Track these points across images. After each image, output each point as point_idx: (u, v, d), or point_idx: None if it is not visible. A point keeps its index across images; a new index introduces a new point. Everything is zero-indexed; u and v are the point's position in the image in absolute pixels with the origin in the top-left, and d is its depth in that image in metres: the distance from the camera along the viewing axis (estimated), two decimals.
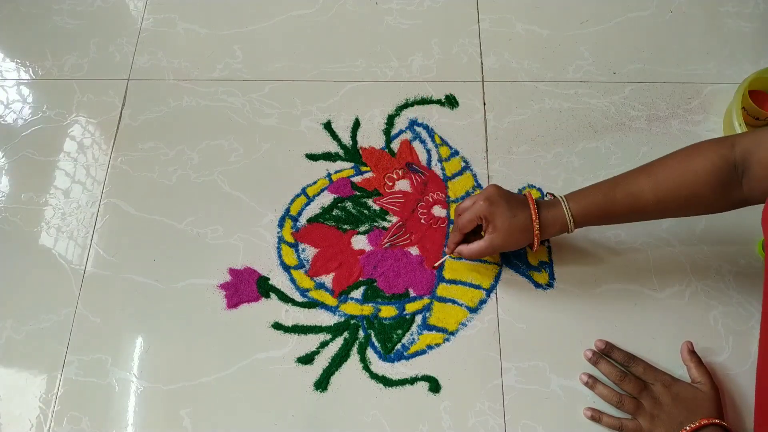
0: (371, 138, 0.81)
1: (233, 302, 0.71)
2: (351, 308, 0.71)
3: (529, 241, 0.62)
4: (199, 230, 0.75)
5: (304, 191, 0.77)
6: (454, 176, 0.78)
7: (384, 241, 0.74)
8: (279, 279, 0.72)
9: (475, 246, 0.64)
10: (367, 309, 0.71)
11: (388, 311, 0.70)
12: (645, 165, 0.60)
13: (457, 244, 0.66)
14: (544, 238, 0.62)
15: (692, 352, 0.65)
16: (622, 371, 0.64)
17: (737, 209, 0.60)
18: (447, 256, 0.71)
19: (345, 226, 0.75)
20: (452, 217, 0.75)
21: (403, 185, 0.78)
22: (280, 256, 0.74)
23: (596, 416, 0.64)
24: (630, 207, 0.59)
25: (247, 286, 0.72)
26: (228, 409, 0.66)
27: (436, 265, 0.72)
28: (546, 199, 0.64)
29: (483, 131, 0.80)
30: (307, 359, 0.68)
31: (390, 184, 0.78)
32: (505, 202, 0.61)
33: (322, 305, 0.71)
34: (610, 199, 0.59)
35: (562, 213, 0.61)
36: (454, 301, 0.71)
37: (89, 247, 0.75)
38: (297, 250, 0.74)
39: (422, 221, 0.75)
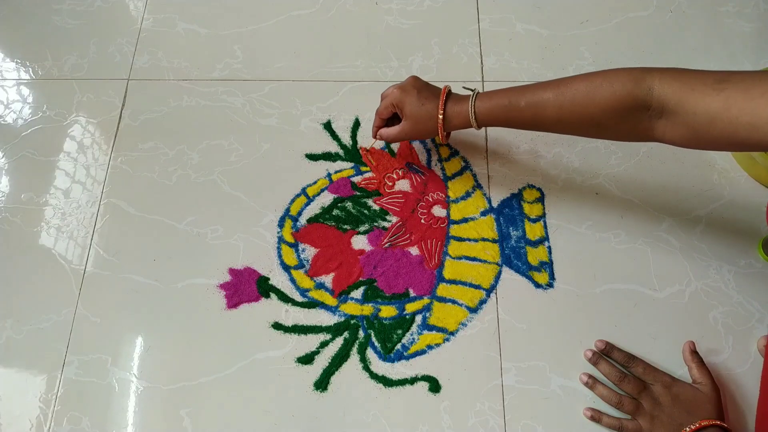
0: (371, 138, 0.81)
1: (233, 302, 0.71)
2: (351, 308, 0.71)
3: (434, 130, 0.67)
4: (199, 230, 0.75)
5: (304, 191, 0.77)
6: (454, 176, 0.78)
7: (384, 241, 0.74)
8: (279, 279, 0.72)
9: (391, 129, 0.70)
10: (367, 309, 0.71)
11: (388, 311, 0.71)
12: (558, 80, 0.60)
13: (378, 128, 0.72)
14: (448, 129, 0.67)
15: (694, 352, 0.65)
16: (621, 372, 0.64)
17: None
18: (374, 140, 0.75)
19: (345, 226, 0.75)
20: (452, 217, 0.75)
21: (403, 185, 0.78)
22: (280, 256, 0.74)
23: (596, 416, 0.64)
24: (532, 118, 0.61)
25: (247, 286, 0.72)
26: (228, 409, 0.66)
27: (369, 145, 0.77)
28: (463, 92, 0.67)
29: (483, 131, 0.80)
30: (307, 359, 0.68)
31: (390, 184, 0.78)
32: (417, 91, 0.66)
33: (322, 305, 0.71)
34: (514, 106, 0.61)
35: (466, 108, 0.64)
36: (454, 301, 0.71)
37: (89, 247, 0.75)
38: (297, 250, 0.74)
39: (422, 221, 0.75)
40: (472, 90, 0.65)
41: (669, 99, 0.52)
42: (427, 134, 0.69)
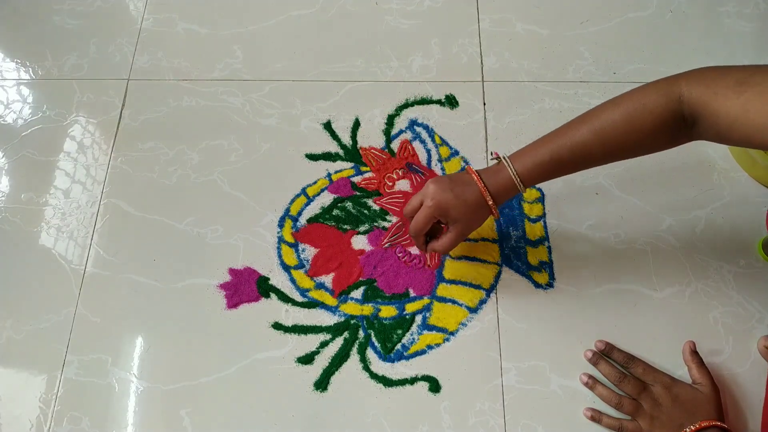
0: (371, 138, 0.81)
1: (233, 302, 0.71)
2: (351, 308, 0.71)
3: (488, 213, 0.62)
4: (199, 230, 0.75)
5: (304, 191, 0.77)
6: None
7: (384, 241, 0.74)
8: (279, 279, 0.72)
9: (446, 240, 0.63)
10: (367, 309, 0.71)
11: (388, 311, 0.71)
12: (588, 116, 0.58)
13: (426, 244, 0.65)
14: (500, 204, 0.61)
15: (694, 353, 0.65)
16: (621, 372, 0.64)
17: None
18: (429, 258, 0.71)
19: (345, 226, 0.75)
20: None
21: (403, 185, 0.78)
22: (280, 256, 0.74)
23: (596, 417, 0.64)
24: (576, 161, 0.58)
25: (247, 286, 0.72)
26: (228, 409, 0.66)
27: (428, 264, 0.72)
28: (490, 163, 0.63)
29: (483, 131, 0.80)
30: (307, 359, 0.68)
31: (390, 184, 0.78)
32: (450, 192, 0.60)
33: (322, 305, 0.71)
34: (557, 159, 0.58)
35: (509, 176, 0.59)
36: (454, 301, 0.71)
37: (89, 247, 0.75)
38: (297, 250, 0.74)
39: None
40: (498, 158, 0.61)
41: (697, 105, 0.52)
42: (480, 223, 0.63)
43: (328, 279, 0.73)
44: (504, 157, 0.60)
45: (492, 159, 0.63)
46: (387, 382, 0.67)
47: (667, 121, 0.54)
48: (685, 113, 0.53)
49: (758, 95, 0.47)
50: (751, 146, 0.50)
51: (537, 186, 0.77)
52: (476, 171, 0.61)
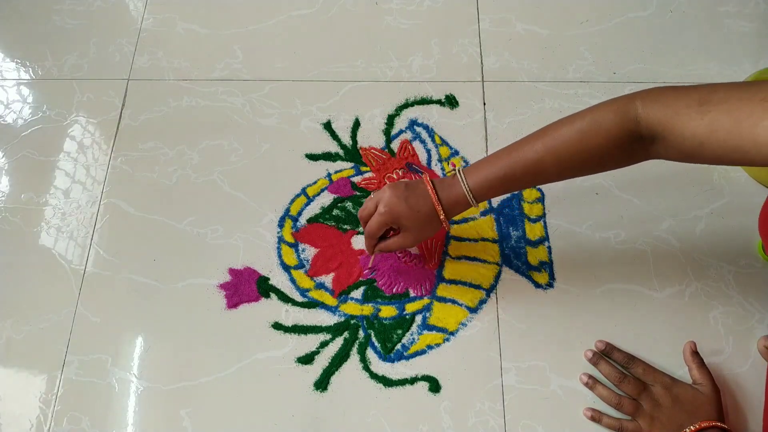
0: (371, 138, 0.81)
1: (233, 302, 0.71)
2: (351, 308, 0.71)
3: (438, 225, 0.62)
4: (199, 230, 0.75)
5: (304, 191, 0.77)
6: None
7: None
8: (279, 279, 0.72)
9: (392, 241, 0.64)
10: (367, 309, 0.71)
11: (388, 311, 0.71)
12: (541, 133, 0.58)
13: (373, 247, 0.66)
14: (451, 218, 0.62)
15: (695, 353, 0.64)
16: (621, 372, 0.64)
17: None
18: (372, 256, 0.70)
19: (345, 226, 0.75)
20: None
21: None
22: (280, 256, 0.74)
23: (596, 417, 0.64)
24: (532, 180, 0.59)
25: (247, 286, 0.72)
26: (228, 409, 0.66)
27: (369, 266, 0.72)
28: (447, 175, 0.63)
29: (483, 131, 0.80)
30: (307, 359, 0.68)
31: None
32: (404, 202, 0.60)
33: (322, 305, 0.71)
34: (510, 175, 0.58)
35: (461, 192, 0.60)
36: (454, 301, 0.71)
37: (89, 247, 0.75)
38: (297, 250, 0.74)
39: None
40: (453, 169, 0.61)
41: (656, 125, 0.51)
42: (430, 234, 0.64)
43: (328, 279, 0.73)
44: (459, 171, 0.60)
45: (450, 171, 0.63)
46: (387, 382, 0.67)
47: (621, 139, 0.53)
48: (643, 132, 0.52)
49: (725, 114, 0.46)
50: (722, 164, 0.49)
51: (537, 186, 0.77)
52: (432, 182, 0.61)
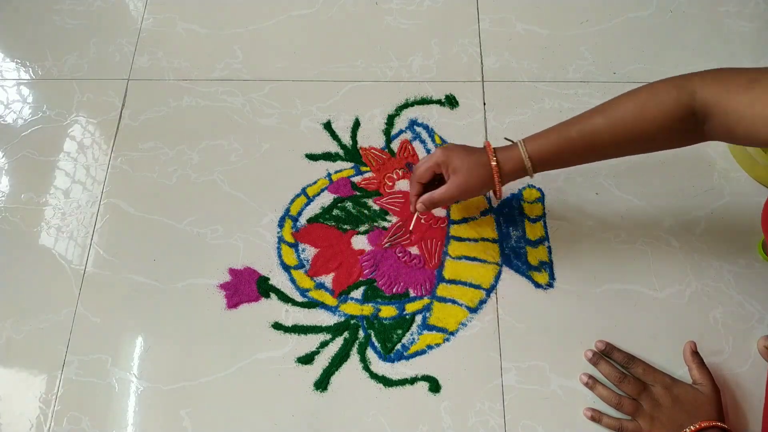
0: (371, 138, 0.81)
1: (233, 302, 0.71)
2: (351, 308, 0.71)
3: (489, 179, 0.61)
4: (199, 230, 0.75)
5: (304, 191, 0.77)
6: None
7: (384, 241, 0.74)
8: (279, 279, 0.72)
9: (440, 191, 0.62)
10: (367, 309, 0.71)
11: (388, 311, 0.71)
12: (602, 105, 0.59)
13: (418, 196, 0.64)
14: (503, 178, 0.61)
15: (695, 353, 0.65)
16: (621, 372, 0.64)
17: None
18: (415, 214, 0.67)
19: (345, 226, 0.75)
20: (452, 217, 0.75)
21: (403, 185, 0.78)
22: (280, 256, 0.74)
23: (596, 417, 0.64)
24: (587, 147, 0.59)
25: (247, 286, 0.72)
26: (228, 409, 0.66)
27: (411, 227, 0.72)
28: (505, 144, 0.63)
29: (483, 131, 0.80)
30: (307, 359, 0.68)
31: (390, 184, 0.78)
32: (461, 147, 0.62)
33: (322, 305, 0.71)
34: (565, 139, 0.58)
35: (518, 153, 0.60)
36: (454, 301, 0.71)
37: (89, 247, 0.75)
38: (297, 250, 0.74)
39: (422, 221, 0.75)
40: (511, 141, 0.62)
41: (709, 102, 0.52)
42: (480, 188, 0.61)
43: (328, 279, 0.73)
44: (518, 141, 0.61)
45: (506, 138, 0.63)
46: (387, 382, 0.67)
47: (677, 115, 0.54)
48: (697, 110, 0.53)
49: (765, 93, 0.47)
50: (756, 142, 0.50)
51: (537, 186, 0.77)
52: (492, 148, 0.61)
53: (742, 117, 0.49)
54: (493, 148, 0.61)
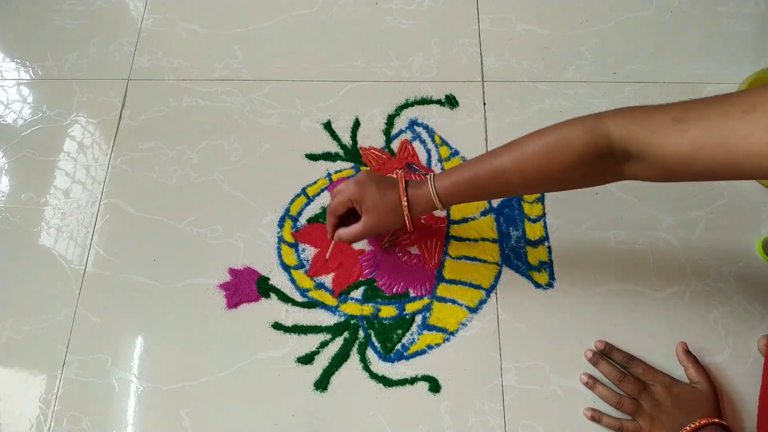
0: (371, 138, 0.81)
1: (233, 302, 0.71)
2: (351, 308, 0.71)
3: (401, 219, 0.62)
4: (199, 230, 0.75)
5: (304, 191, 0.77)
6: None
7: (384, 241, 0.74)
8: (279, 279, 0.72)
9: (351, 229, 0.64)
10: (367, 309, 0.71)
11: (388, 311, 0.71)
12: (510, 144, 0.58)
13: (334, 228, 0.66)
14: (413, 215, 0.62)
15: (688, 353, 0.65)
16: (621, 372, 0.64)
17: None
18: (332, 242, 0.69)
19: None
20: (452, 217, 0.75)
21: None
22: (280, 256, 0.74)
23: (596, 416, 0.64)
24: (496, 188, 0.59)
25: (247, 286, 0.72)
26: (228, 409, 0.66)
27: (327, 256, 0.72)
28: (417, 179, 0.64)
29: (483, 131, 0.80)
30: (307, 359, 0.68)
31: None
32: (375, 183, 0.62)
33: (322, 305, 0.71)
34: (474, 180, 0.59)
35: (428, 191, 0.61)
36: (454, 301, 0.71)
37: (89, 247, 0.75)
38: (297, 250, 0.74)
39: (422, 221, 0.75)
40: (425, 176, 0.62)
41: (630, 144, 0.50)
42: (391, 225, 0.63)
43: (328, 279, 0.73)
44: (430, 175, 0.62)
45: (423, 175, 0.64)
46: (387, 382, 0.67)
47: (588, 157, 0.52)
48: (616, 151, 0.51)
49: (706, 131, 0.45)
50: (708, 179, 0.48)
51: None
52: (405, 180, 0.62)
53: (688, 161, 0.47)
54: (405, 185, 0.62)
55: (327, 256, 0.72)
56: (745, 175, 0.45)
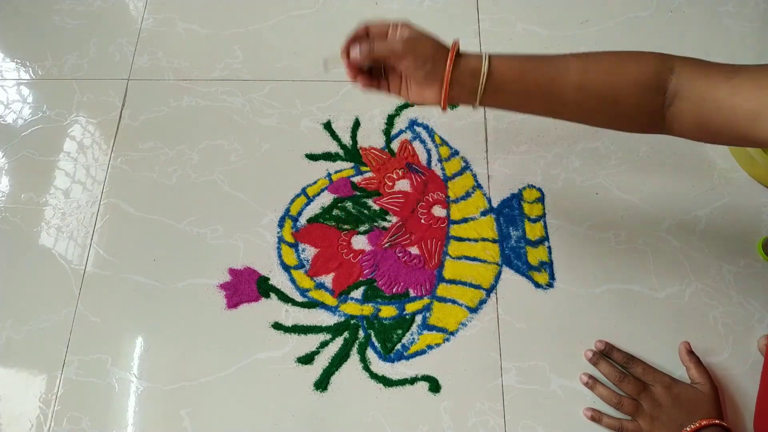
0: (371, 138, 0.81)
1: (233, 302, 0.71)
2: (351, 308, 0.71)
3: (439, 94, 0.54)
4: (199, 230, 0.75)
5: (304, 191, 0.77)
6: (454, 176, 0.78)
7: (384, 241, 0.74)
8: (279, 279, 0.72)
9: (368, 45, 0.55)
10: (367, 309, 0.71)
11: (388, 311, 0.71)
12: (582, 53, 0.55)
13: (358, 70, 0.57)
14: (453, 94, 0.53)
15: (690, 352, 0.65)
16: (621, 372, 0.64)
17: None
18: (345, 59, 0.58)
19: (345, 226, 0.75)
20: (452, 217, 0.75)
21: (403, 185, 0.78)
22: (280, 256, 0.74)
23: (596, 417, 0.64)
24: (550, 81, 0.53)
25: (247, 286, 0.72)
26: (228, 409, 0.66)
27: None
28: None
29: (483, 131, 0.80)
30: (307, 359, 0.68)
31: (390, 184, 0.78)
32: (423, 46, 0.53)
33: (322, 305, 0.71)
34: (532, 64, 0.53)
35: (478, 65, 0.52)
36: (454, 301, 0.71)
37: (89, 247, 0.75)
38: (297, 250, 0.74)
39: (422, 221, 0.75)
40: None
41: (684, 83, 0.51)
42: (424, 77, 0.53)
43: (328, 279, 0.73)
44: (484, 53, 0.54)
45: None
46: (387, 382, 0.67)
47: (649, 81, 0.52)
48: (669, 90, 0.52)
49: (749, 80, 0.46)
50: (732, 138, 0.49)
51: (537, 186, 0.76)
52: (457, 50, 0.53)
53: (720, 106, 0.48)
54: (457, 53, 0.53)
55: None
56: (757, 136, 0.45)
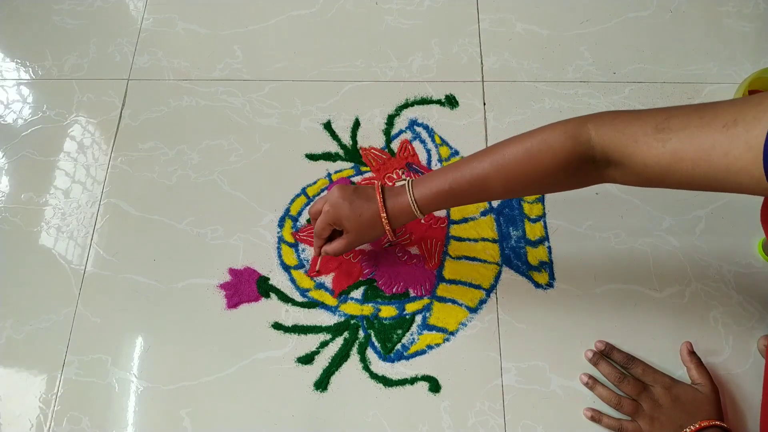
0: (371, 138, 0.81)
1: (233, 302, 0.71)
2: (351, 308, 0.71)
3: (382, 231, 0.62)
4: (199, 230, 0.75)
5: (304, 191, 0.77)
6: None
7: (384, 241, 0.74)
8: (279, 279, 0.72)
9: (336, 244, 0.65)
10: (367, 309, 0.71)
11: (388, 311, 0.71)
12: (490, 148, 0.57)
13: (321, 248, 0.67)
14: (395, 226, 0.62)
15: (692, 353, 0.65)
16: (621, 372, 0.64)
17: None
18: (319, 258, 0.70)
19: None
20: (452, 217, 0.75)
21: None
22: (280, 256, 0.74)
23: (596, 417, 0.64)
24: (478, 195, 0.58)
25: (247, 286, 0.72)
26: (228, 409, 0.66)
27: (317, 268, 0.72)
28: (397, 184, 0.63)
29: (483, 131, 0.80)
30: (307, 359, 0.68)
31: (390, 184, 0.78)
32: (349, 203, 0.61)
33: (322, 305, 0.71)
34: (456, 188, 0.58)
35: (407, 201, 0.60)
36: (454, 301, 0.71)
37: (89, 247, 0.75)
38: (297, 250, 0.74)
39: (422, 221, 0.75)
40: (403, 179, 0.62)
41: (611, 151, 0.50)
42: (374, 238, 0.65)
43: (328, 279, 0.73)
44: (408, 182, 0.61)
45: (400, 180, 0.63)
46: (387, 382, 0.67)
47: (569, 162, 0.52)
48: (597, 156, 0.51)
49: (687, 142, 0.45)
50: (686, 189, 0.49)
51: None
52: (382, 188, 0.62)
53: (668, 171, 0.47)
54: (383, 197, 0.61)
55: (317, 269, 0.72)
56: (723, 188, 0.45)
